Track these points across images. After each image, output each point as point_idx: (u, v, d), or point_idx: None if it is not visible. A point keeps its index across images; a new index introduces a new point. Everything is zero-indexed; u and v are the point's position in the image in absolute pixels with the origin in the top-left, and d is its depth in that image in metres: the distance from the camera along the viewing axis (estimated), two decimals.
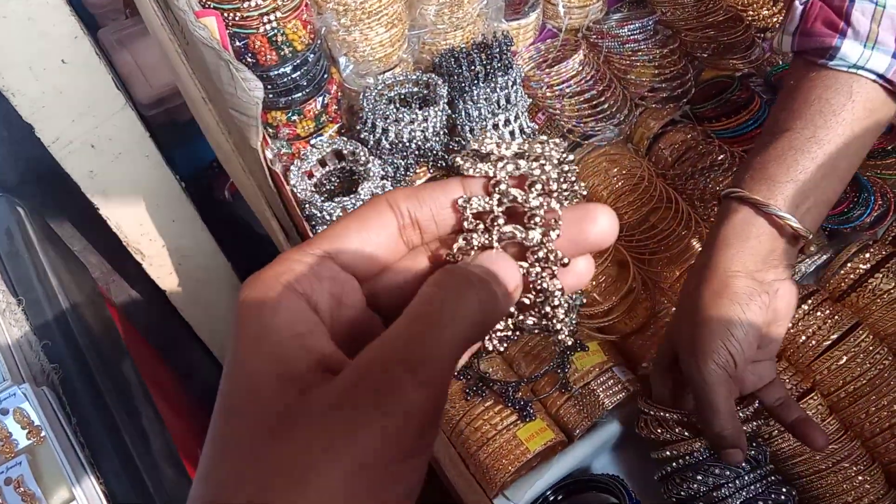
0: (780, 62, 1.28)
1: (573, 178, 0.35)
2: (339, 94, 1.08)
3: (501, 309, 0.32)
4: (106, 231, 1.38)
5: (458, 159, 0.34)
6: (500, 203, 0.33)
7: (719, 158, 1.13)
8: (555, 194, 0.33)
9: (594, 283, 1.03)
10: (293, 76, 0.98)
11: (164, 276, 1.45)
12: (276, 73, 0.96)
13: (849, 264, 1.02)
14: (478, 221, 0.33)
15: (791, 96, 0.80)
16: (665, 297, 1.03)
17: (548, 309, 0.34)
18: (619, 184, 1.12)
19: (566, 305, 0.35)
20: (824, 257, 1.07)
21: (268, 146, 0.98)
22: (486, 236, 0.33)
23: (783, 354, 0.99)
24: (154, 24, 0.99)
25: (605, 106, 1.17)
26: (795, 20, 0.81)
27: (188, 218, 1.40)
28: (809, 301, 0.99)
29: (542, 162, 0.34)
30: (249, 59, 0.94)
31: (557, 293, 0.34)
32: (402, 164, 1.06)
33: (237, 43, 0.92)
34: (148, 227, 1.35)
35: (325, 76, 1.03)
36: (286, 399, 0.27)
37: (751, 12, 1.32)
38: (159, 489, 0.97)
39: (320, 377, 0.28)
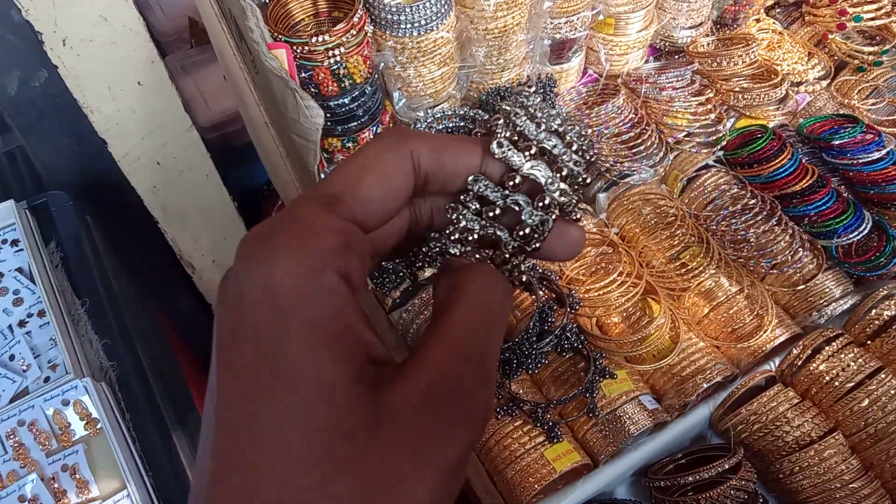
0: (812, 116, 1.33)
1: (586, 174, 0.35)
2: (391, 124, 1.15)
3: None
4: (160, 243, 1.46)
5: (499, 121, 0.34)
6: (504, 198, 0.33)
7: (751, 203, 1.17)
8: (553, 215, 0.34)
9: (625, 314, 1.08)
10: (351, 106, 1.05)
11: (212, 290, 1.52)
12: (335, 102, 1.04)
13: (874, 310, 1.05)
14: (475, 203, 0.34)
15: None
16: (693, 332, 1.07)
17: None
18: (653, 222, 1.17)
19: None
20: (851, 302, 1.10)
21: (323, 169, 1.06)
22: (475, 221, 0.34)
23: (807, 394, 1.02)
24: (226, 53, 1.08)
25: (642, 148, 1.22)
26: None
27: (239, 236, 1.47)
28: (834, 344, 1.02)
29: (561, 176, 0.34)
30: (313, 89, 1.02)
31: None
32: None
33: (303, 74, 1.00)
34: (201, 243, 1.43)
35: (380, 108, 1.10)
36: (363, 402, 0.25)
37: (785, 66, 1.37)
38: None
39: (375, 373, 0.26)
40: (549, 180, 0.33)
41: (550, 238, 0.33)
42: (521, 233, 0.33)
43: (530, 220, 0.33)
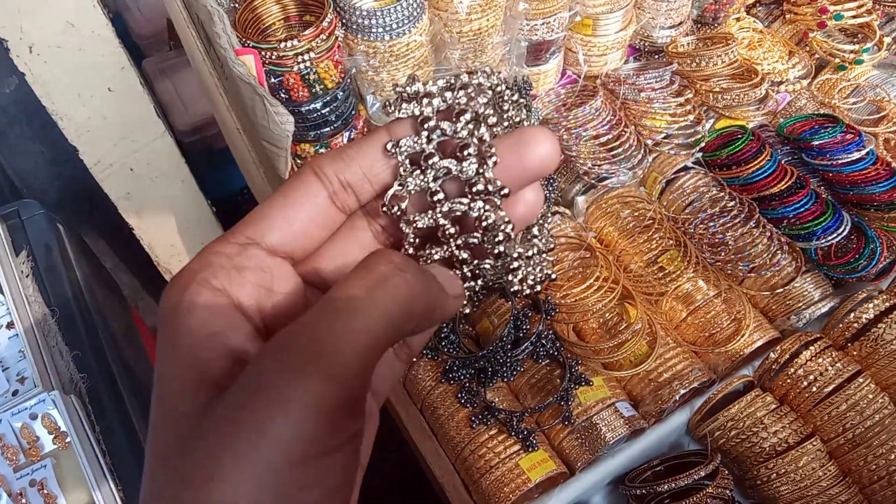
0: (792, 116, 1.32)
1: (516, 99, 0.32)
2: (365, 129, 1.13)
3: (441, 305, 0.29)
4: (137, 250, 1.45)
5: (386, 103, 0.32)
6: (429, 140, 0.31)
7: (730, 205, 1.16)
8: (486, 120, 0.31)
9: (601, 319, 1.06)
10: (322, 112, 1.04)
11: None
12: (307, 108, 1.02)
13: (853, 313, 1.04)
14: (414, 167, 0.31)
15: None
16: (671, 337, 1.06)
17: (500, 248, 0.31)
18: (631, 225, 1.16)
19: (526, 242, 0.34)
20: (830, 305, 1.09)
21: None
22: (422, 177, 0.31)
23: (785, 399, 1.01)
24: (196, 58, 1.07)
25: (620, 150, 1.21)
26: None
27: None
28: (812, 347, 1.01)
29: (470, 90, 0.31)
30: (283, 95, 1.00)
31: (503, 226, 0.31)
32: None
33: (272, 79, 0.98)
34: (178, 248, 1.41)
35: (353, 112, 1.09)
36: (198, 404, 0.25)
37: (765, 66, 1.36)
38: None
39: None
40: (457, 97, 0.31)
41: (510, 146, 0.30)
42: (466, 152, 0.30)
43: (463, 133, 0.31)
